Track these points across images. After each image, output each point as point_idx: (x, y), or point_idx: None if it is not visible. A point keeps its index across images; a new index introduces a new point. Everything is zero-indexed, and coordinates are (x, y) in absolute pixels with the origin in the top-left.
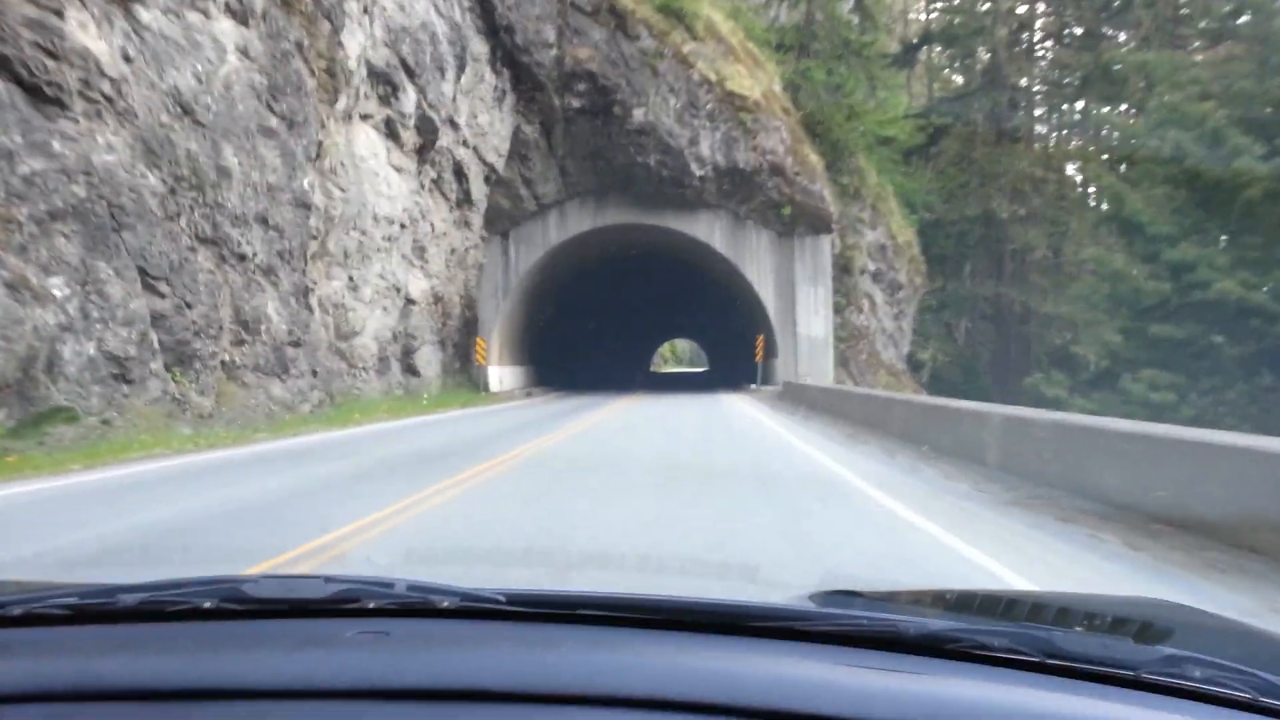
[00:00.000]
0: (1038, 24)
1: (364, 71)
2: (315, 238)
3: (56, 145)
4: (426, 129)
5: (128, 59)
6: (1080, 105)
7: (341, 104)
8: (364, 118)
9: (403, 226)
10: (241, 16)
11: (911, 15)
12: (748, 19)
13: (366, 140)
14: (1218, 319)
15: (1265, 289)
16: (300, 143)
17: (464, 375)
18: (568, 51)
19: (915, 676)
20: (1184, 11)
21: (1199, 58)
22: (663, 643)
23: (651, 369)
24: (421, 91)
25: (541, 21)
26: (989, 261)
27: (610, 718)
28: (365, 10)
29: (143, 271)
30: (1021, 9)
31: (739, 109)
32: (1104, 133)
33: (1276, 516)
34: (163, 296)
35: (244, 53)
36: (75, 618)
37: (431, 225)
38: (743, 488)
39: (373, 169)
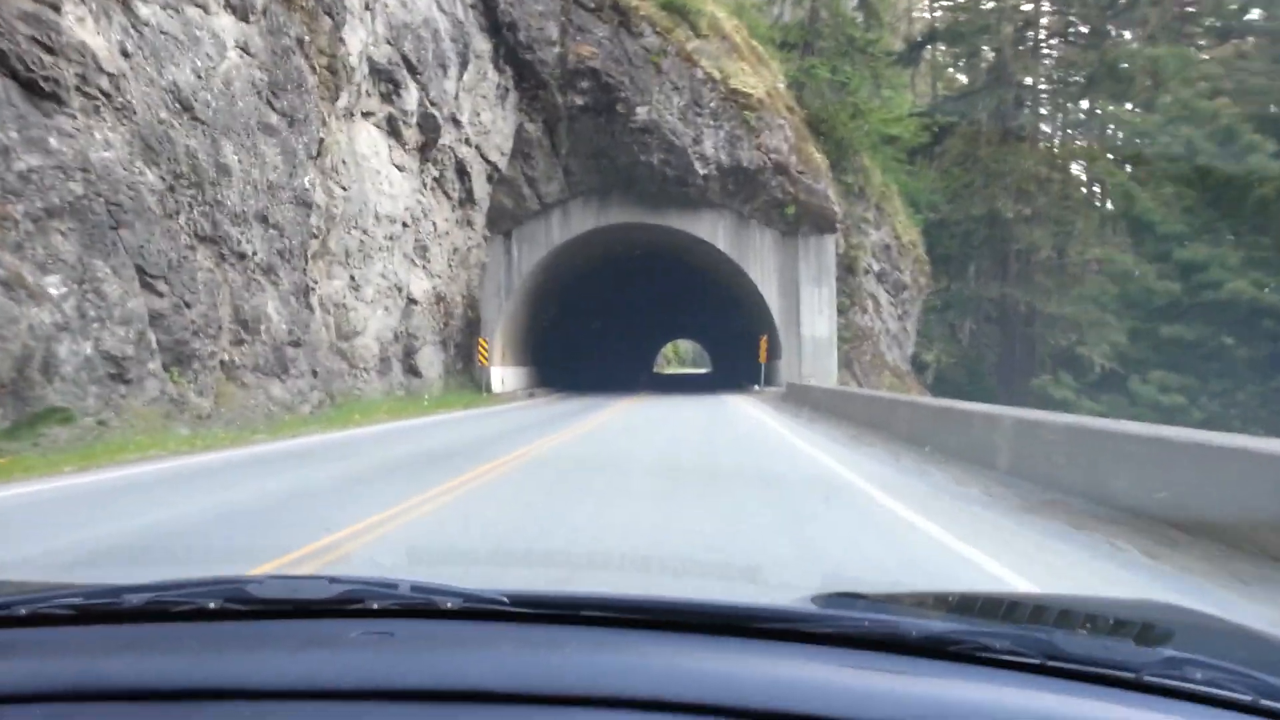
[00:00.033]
0: (1043, 21)
1: (366, 68)
2: (316, 236)
3: (53, 142)
4: (429, 127)
5: (126, 54)
6: (1085, 104)
7: (343, 101)
8: (366, 115)
9: (405, 225)
10: (242, 12)
11: (915, 14)
12: (752, 16)
13: (368, 138)
14: (1228, 320)
15: (1278, 289)
16: (301, 140)
17: (466, 376)
18: (571, 49)
19: (917, 678)
20: (1190, 10)
21: (1205, 56)
22: (665, 644)
23: (655, 370)
24: (424, 89)
25: (545, 18)
26: (994, 262)
27: (613, 719)
28: (367, 6)
29: (141, 270)
30: (1027, 6)
31: (743, 107)
32: (1110, 131)
33: None
34: (161, 295)
35: (244, 48)
36: (80, 618)
37: (434, 224)
38: (747, 489)
39: (374, 167)
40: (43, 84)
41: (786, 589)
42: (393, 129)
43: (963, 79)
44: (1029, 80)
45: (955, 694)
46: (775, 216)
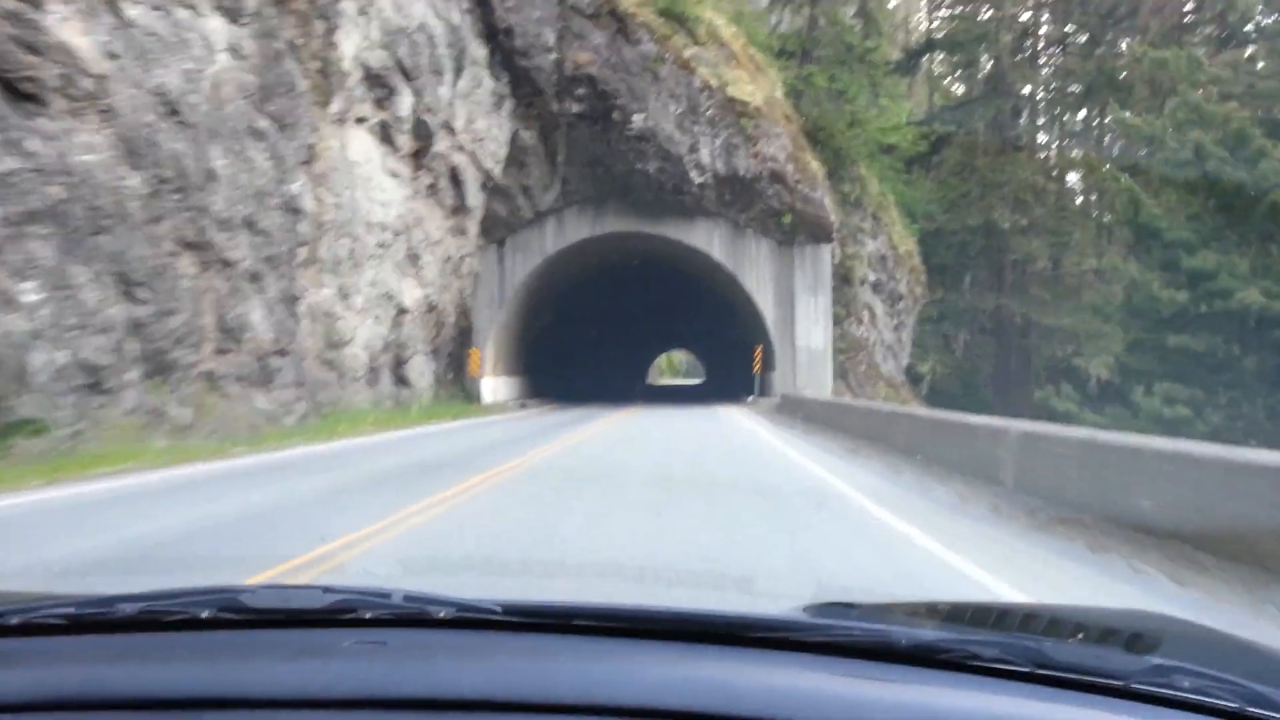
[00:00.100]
0: (1041, 31)
1: (359, 73)
2: (305, 244)
3: (33, 144)
4: (422, 133)
5: (111, 56)
6: (1083, 114)
7: (335, 106)
8: (358, 121)
9: (396, 233)
10: (232, 14)
11: (914, 23)
12: (750, 24)
13: (360, 144)
14: (1237, 330)
15: None
16: (291, 145)
17: (457, 386)
18: (568, 55)
19: (907, 686)
20: (1189, 20)
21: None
22: (658, 653)
23: (648, 381)
24: (418, 95)
25: (541, 25)
26: (990, 272)
27: None
28: (361, 11)
29: (121, 277)
30: (1025, 16)
31: (740, 115)
32: (1108, 140)
33: None
34: (142, 303)
35: (234, 51)
36: (73, 627)
37: (426, 232)
38: (742, 500)
39: (366, 174)
40: (23, 85)
41: (779, 598)
42: (385, 135)
43: (960, 90)
44: (1027, 89)
45: (945, 702)
46: (771, 226)
